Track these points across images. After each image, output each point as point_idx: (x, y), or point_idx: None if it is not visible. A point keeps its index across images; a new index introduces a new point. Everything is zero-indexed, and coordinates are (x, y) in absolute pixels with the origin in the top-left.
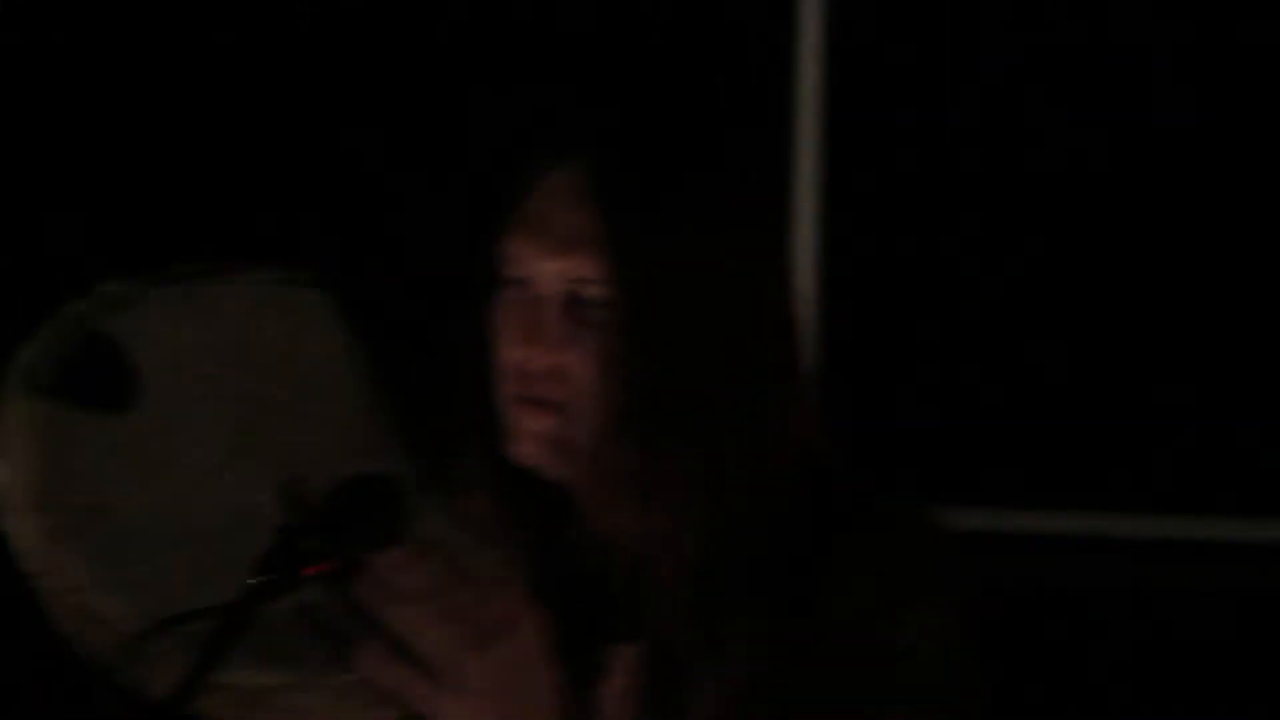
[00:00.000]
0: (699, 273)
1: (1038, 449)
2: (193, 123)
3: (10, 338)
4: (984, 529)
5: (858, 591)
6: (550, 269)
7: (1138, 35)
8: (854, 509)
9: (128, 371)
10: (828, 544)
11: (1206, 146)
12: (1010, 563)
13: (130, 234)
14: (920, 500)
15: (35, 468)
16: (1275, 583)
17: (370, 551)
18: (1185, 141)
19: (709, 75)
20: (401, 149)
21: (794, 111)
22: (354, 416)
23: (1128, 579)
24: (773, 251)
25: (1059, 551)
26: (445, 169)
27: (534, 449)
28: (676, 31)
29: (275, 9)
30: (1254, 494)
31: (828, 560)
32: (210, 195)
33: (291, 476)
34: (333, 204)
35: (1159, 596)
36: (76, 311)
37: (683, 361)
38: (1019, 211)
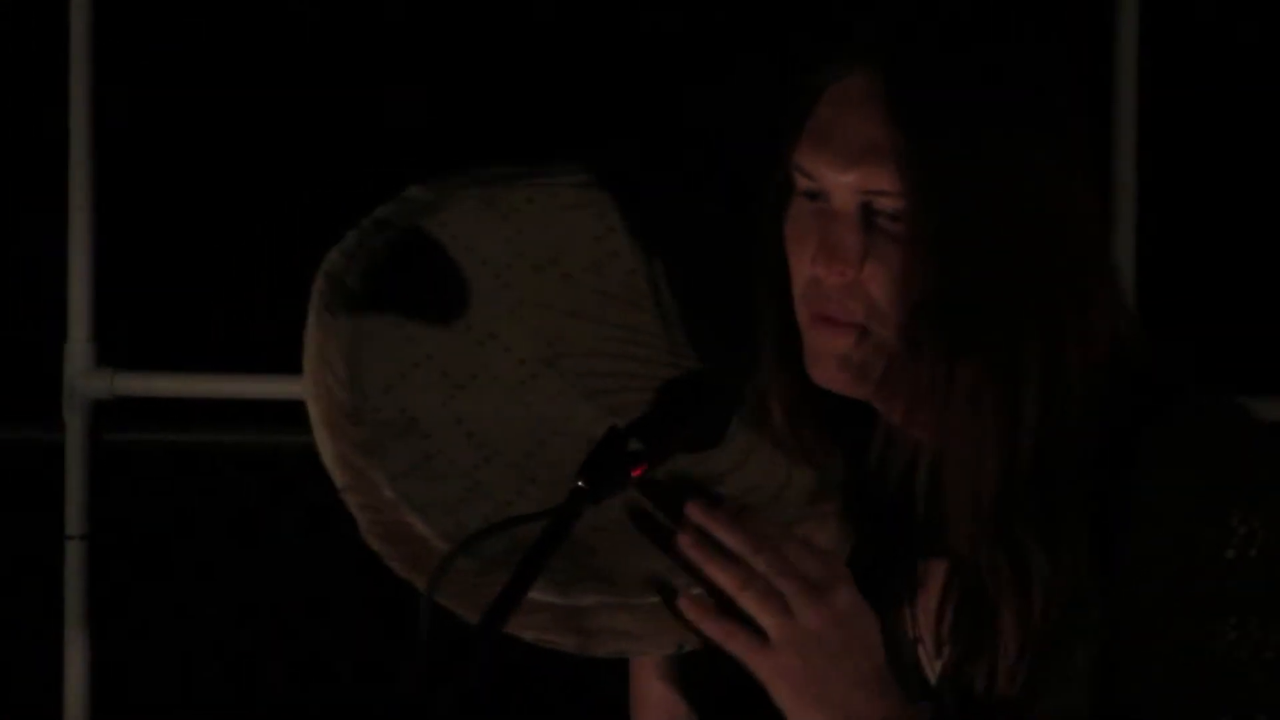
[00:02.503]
0: (997, 181)
1: None
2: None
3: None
4: None
5: (1176, 498)
6: (843, 181)
7: None
8: (1168, 407)
9: (450, 272)
10: (1142, 445)
11: None
12: None
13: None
14: (1237, 395)
15: (343, 380)
16: None
17: (694, 452)
18: None
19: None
20: (701, 58)
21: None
22: (661, 325)
23: None
24: (1073, 154)
25: None
26: (745, 78)
27: (833, 370)
28: None
29: None
30: None
31: (1142, 463)
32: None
33: (601, 388)
34: (638, 111)
35: None
36: (382, 216)
37: (981, 272)
38: None
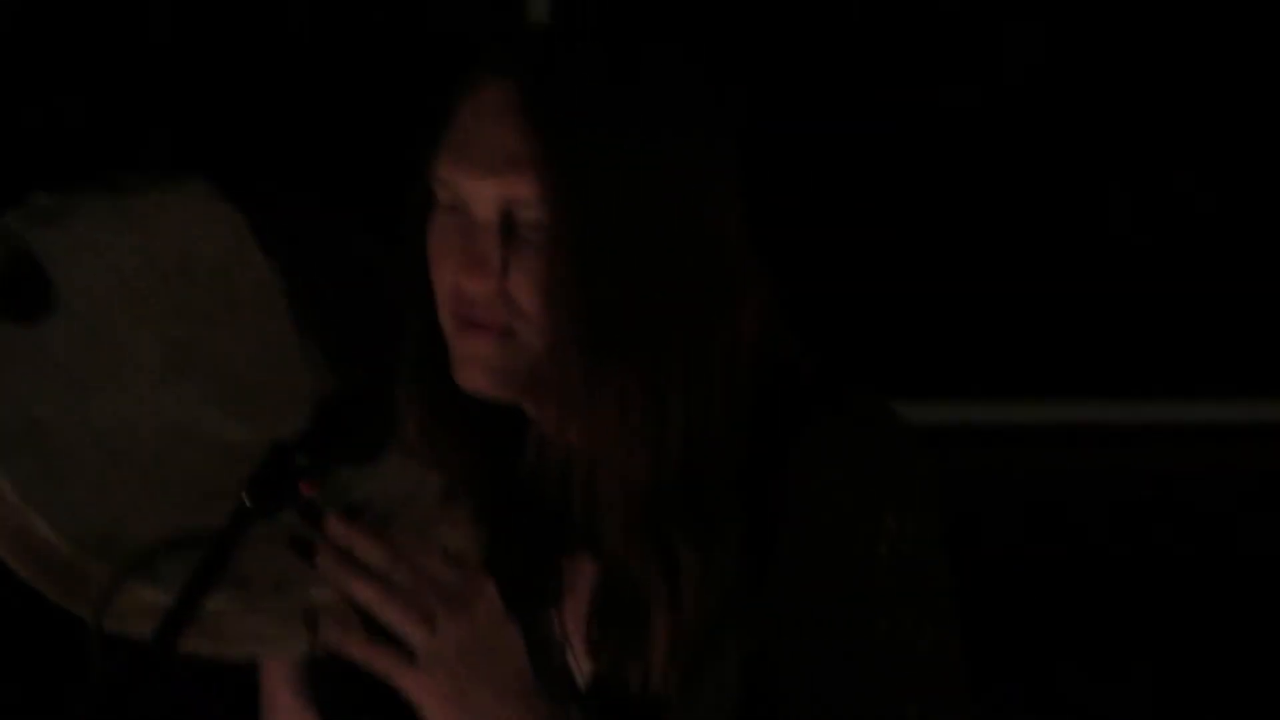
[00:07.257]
0: (636, 188)
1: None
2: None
3: None
4: (944, 422)
5: (831, 496)
6: (482, 191)
7: None
8: (820, 409)
9: (47, 288)
10: (795, 446)
11: None
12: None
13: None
14: (885, 396)
15: None
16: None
17: (358, 465)
18: None
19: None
20: (338, 73)
21: None
22: (294, 333)
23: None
24: (714, 161)
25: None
26: (380, 91)
27: (479, 374)
28: None
29: None
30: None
31: (796, 463)
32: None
33: (232, 396)
34: (275, 124)
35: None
36: (6, 223)
37: (623, 279)
38: None
